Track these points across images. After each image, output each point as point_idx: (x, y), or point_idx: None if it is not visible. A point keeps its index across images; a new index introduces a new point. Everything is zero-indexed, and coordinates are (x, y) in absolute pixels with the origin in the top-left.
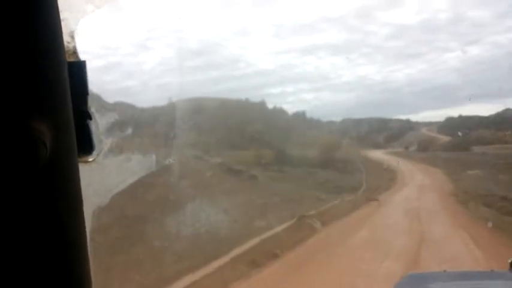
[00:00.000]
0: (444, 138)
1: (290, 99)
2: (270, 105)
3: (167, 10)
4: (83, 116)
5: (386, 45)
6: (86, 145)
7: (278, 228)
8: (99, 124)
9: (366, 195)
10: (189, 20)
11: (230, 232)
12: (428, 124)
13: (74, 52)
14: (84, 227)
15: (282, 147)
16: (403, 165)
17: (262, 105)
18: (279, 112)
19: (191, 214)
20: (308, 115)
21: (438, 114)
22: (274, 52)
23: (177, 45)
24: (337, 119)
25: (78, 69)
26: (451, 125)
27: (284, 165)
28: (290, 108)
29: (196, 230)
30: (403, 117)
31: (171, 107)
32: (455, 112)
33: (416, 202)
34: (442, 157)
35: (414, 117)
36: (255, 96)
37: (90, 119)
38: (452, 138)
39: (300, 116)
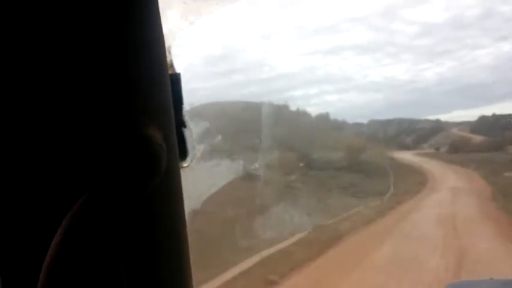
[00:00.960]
0: (477, 138)
1: (314, 101)
2: (294, 108)
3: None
4: (179, 124)
5: (414, 43)
6: (181, 152)
7: (285, 243)
8: (192, 132)
9: (394, 200)
10: (212, 25)
11: (221, 250)
12: (460, 124)
13: (171, 65)
14: (186, 233)
15: (304, 150)
16: (434, 167)
17: (285, 108)
18: (302, 114)
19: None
20: (333, 117)
21: (470, 114)
22: (297, 54)
23: (201, 52)
24: (364, 120)
25: (175, 81)
26: (485, 125)
27: (306, 169)
28: (314, 110)
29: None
30: (432, 117)
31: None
32: (488, 111)
33: (451, 208)
34: (476, 158)
35: (444, 117)
36: (278, 100)
37: (185, 127)
38: (487, 137)
39: (324, 118)
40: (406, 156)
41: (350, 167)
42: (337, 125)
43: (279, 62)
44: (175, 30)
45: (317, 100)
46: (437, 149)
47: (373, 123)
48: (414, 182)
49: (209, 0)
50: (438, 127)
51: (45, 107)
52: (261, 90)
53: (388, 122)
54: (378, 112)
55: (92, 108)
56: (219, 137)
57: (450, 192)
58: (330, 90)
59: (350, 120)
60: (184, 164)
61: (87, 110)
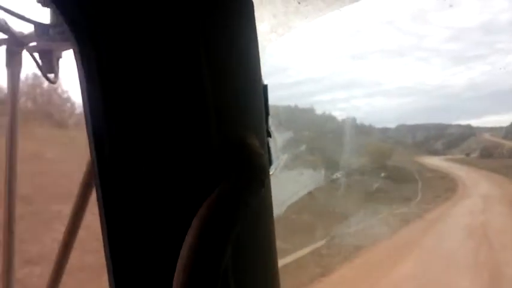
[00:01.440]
0: (510, 144)
1: (341, 106)
2: (319, 112)
3: None
4: (266, 134)
5: (445, 48)
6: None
7: (295, 255)
8: (277, 141)
9: (421, 207)
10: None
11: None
12: (492, 129)
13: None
14: (274, 238)
15: (329, 154)
16: (464, 173)
17: (311, 112)
18: (328, 119)
19: None
20: (360, 121)
21: (502, 119)
22: (324, 58)
23: None
24: (391, 125)
25: (264, 91)
26: None
27: (331, 173)
28: (340, 114)
29: None
30: (463, 122)
31: None
32: None
33: (483, 217)
34: (509, 164)
35: (475, 123)
36: (304, 104)
37: (270, 136)
38: None
39: (351, 123)
40: (435, 162)
41: (375, 172)
42: (364, 130)
43: (306, 66)
44: (264, 43)
45: (344, 104)
46: (467, 154)
47: (401, 128)
48: (443, 189)
49: (298, 14)
50: (469, 132)
51: (177, 120)
52: (287, 94)
53: (416, 127)
54: (407, 117)
55: (206, 116)
56: (303, 146)
57: (482, 199)
58: (357, 95)
59: (378, 125)
60: (270, 172)
61: (204, 117)
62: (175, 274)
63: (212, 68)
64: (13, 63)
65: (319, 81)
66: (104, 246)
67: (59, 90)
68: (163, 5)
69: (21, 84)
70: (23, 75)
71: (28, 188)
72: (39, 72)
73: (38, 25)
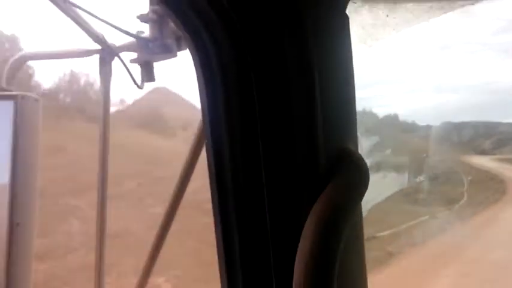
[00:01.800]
0: None
1: (382, 102)
2: (359, 109)
3: None
4: None
5: (495, 40)
6: None
7: None
8: (363, 146)
9: (466, 210)
10: None
11: None
12: None
13: None
14: (363, 238)
15: (369, 152)
16: None
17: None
18: (368, 115)
19: None
20: (402, 118)
21: None
22: (365, 52)
23: None
24: (436, 123)
25: None
26: None
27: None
28: (382, 111)
29: None
30: None
31: None
32: None
33: None
34: None
35: None
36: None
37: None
38: None
39: (393, 120)
40: (483, 162)
41: (418, 172)
42: (406, 127)
43: None
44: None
45: (385, 101)
46: None
47: (446, 126)
48: (492, 190)
49: (386, 26)
50: None
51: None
52: None
53: (463, 125)
54: (452, 114)
55: (316, 124)
56: (389, 150)
57: None
58: (400, 91)
59: (421, 122)
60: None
61: (314, 125)
62: (295, 276)
63: (320, 80)
64: (105, 71)
65: (358, 77)
66: (217, 243)
67: (95, 87)
68: (274, 21)
69: (59, 81)
70: (61, 72)
71: (41, 181)
72: (76, 70)
73: (139, 39)
